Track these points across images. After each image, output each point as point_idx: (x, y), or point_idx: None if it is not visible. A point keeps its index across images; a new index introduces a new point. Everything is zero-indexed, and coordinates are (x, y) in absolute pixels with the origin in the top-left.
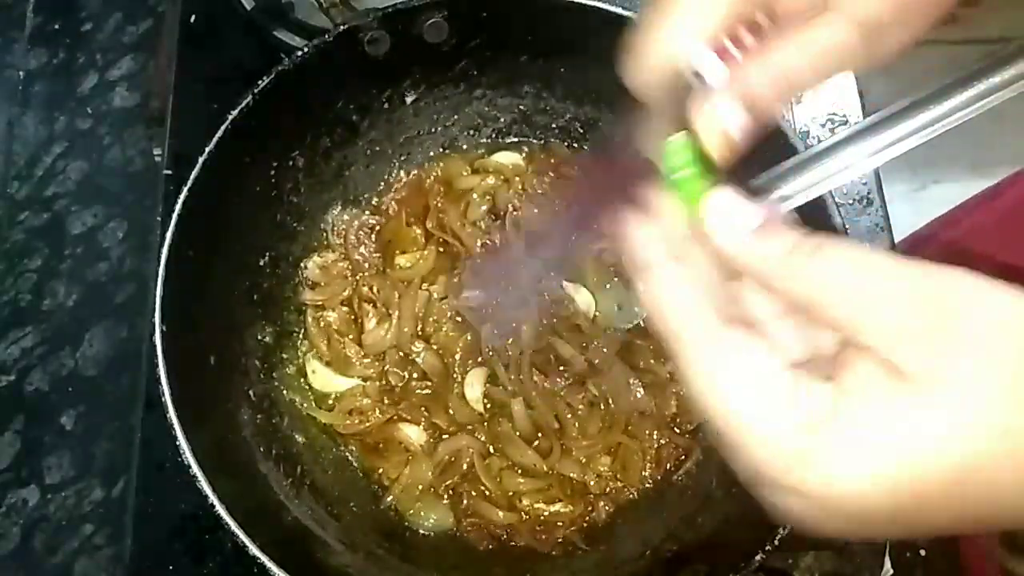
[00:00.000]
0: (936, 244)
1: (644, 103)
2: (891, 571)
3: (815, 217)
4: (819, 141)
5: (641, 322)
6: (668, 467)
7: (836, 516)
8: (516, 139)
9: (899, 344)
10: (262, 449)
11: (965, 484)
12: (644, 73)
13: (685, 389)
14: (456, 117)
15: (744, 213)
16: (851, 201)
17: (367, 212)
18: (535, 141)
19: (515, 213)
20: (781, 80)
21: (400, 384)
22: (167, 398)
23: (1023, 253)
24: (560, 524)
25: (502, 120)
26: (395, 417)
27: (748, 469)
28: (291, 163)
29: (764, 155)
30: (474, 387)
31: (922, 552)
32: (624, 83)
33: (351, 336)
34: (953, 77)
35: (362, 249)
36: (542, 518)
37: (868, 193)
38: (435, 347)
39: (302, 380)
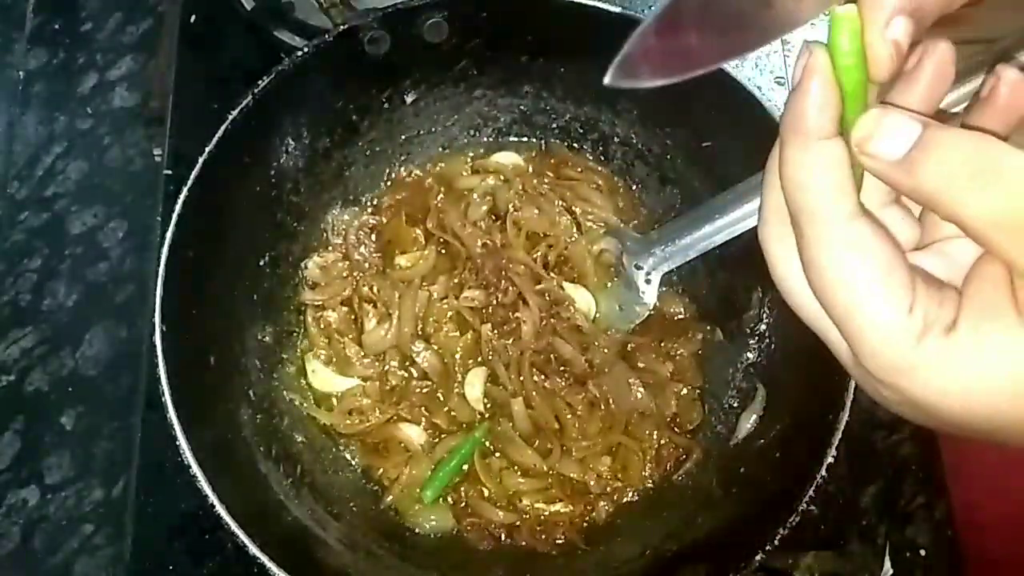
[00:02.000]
0: None
1: None
2: (891, 571)
3: None
4: None
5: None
6: (668, 467)
7: (926, 417)
8: (516, 139)
9: None
10: (262, 449)
11: None
12: None
13: (808, 268)
14: (456, 117)
15: (907, 132)
16: None
17: (367, 212)
18: (535, 141)
19: (515, 213)
20: None
21: (400, 384)
22: (167, 398)
23: None
24: (560, 524)
25: (502, 120)
26: (395, 417)
27: (850, 355)
28: (291, 163)
29: (759, 148)
30: (474, 387)
31: (922, 552)
32: None
33: (351, 336)
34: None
35: (362, 249)
36: (542, 518)
37: None
38: (435, 347)
39: (302, 380)
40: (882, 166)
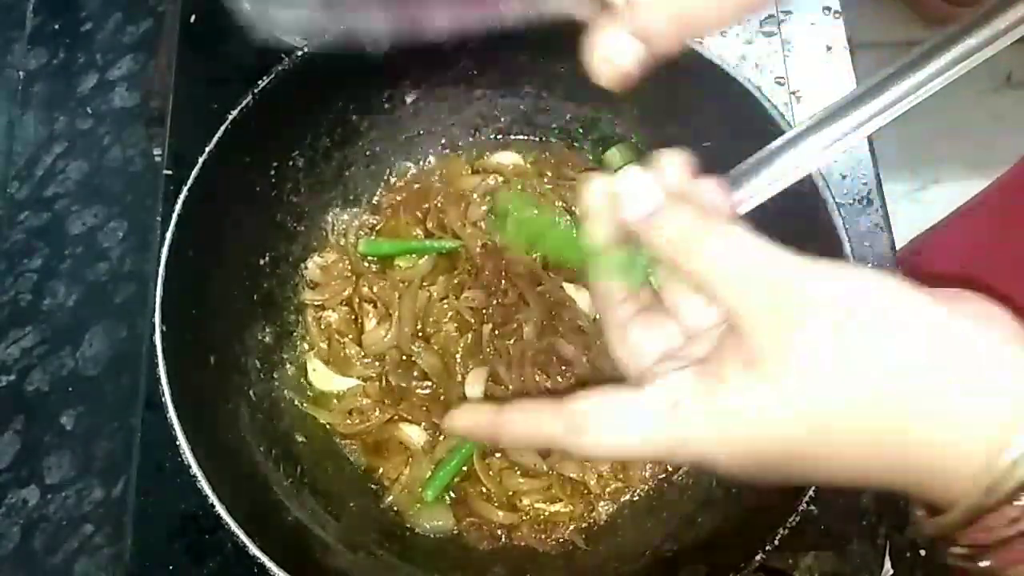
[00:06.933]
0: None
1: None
2: (891, 571)
3: (816, 218)
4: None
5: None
6: (668, 467)
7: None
8: (516, 139)
9: (758, 327)
10: (262, 449)
11: (797, 455)
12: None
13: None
14: (456, 117)
15: (647, 189)
16: (851, 201)
17: (367, 212)
18: (535, 141)
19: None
20: (677, 17)
21: (400, 384)
22: (167, 398)
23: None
24: (560, 524)
25: (502, 120)
26: (395, 417)
27: None
28: (291, 163)
29: (759, 148)
30: (475, 387)
31: (922, 552)
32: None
33: (351, 336)
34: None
35: None
36: (542, 518)
37: (868, 193)
38: (435, 347)
39: (302, 380)
40: (631, 221)
